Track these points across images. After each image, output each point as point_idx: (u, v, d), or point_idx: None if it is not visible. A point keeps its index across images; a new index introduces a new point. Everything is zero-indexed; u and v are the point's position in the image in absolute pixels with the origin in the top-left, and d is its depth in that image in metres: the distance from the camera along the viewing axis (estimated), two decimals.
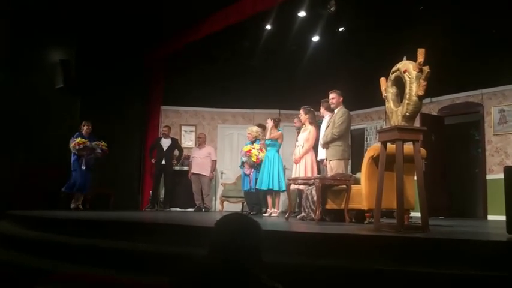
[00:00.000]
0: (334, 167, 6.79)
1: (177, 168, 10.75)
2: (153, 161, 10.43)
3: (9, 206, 7.76)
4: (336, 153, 6.83)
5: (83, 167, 8.93)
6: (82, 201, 9.14)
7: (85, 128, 9.13)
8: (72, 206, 8.96)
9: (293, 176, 7.35)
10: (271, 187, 7.95)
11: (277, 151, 8.19)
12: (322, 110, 7.54)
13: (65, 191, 8.93)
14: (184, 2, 9.37)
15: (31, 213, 6.82)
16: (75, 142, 8.82)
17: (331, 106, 7.16)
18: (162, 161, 10.31)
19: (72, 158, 8.97)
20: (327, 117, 7.37)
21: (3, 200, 8.28)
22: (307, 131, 7.64)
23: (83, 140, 8.89)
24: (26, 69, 9.59)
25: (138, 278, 3.49)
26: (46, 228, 5.74)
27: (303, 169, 7.46)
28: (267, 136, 8.33)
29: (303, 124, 7.78)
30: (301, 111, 7.80)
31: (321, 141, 7.21)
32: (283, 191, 8.09)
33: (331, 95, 7.11)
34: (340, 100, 7.04)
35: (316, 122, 7.77)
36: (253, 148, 8.18)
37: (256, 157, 8.08)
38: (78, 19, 9.76)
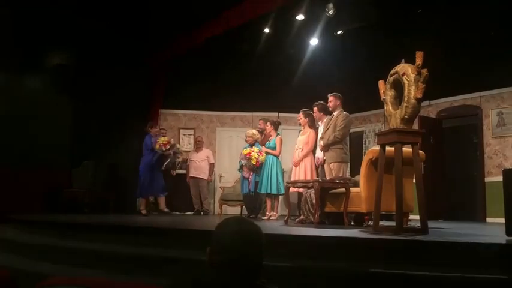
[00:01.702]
0: (334, 170, 6.79)
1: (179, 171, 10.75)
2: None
3: (5, 209, 7.73)
4: (337, 155, 6.84)
5: (163, 168, 8.77)
6: (85, 205, 9.13)
7: (154, 130, 9.03)
8: (142, 210, 8.80)
9: (292, 179, 7.35)
10: (269, 191, 7.96)
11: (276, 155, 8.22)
12: (316, 112, 7.54)
13: (140, 196, 8.87)
14: (184, 6, 9.38)
15: (35, 218, 6.82)
16: (160, 143, 8.57)
17: (329, 109, 7.17)
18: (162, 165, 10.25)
19: (146, 160, 8.80)
20: (325, 120, 7.37)
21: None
22: (307, 134, 7.65)
23: (167, 139, 8.68)
24: (25, 72, 9.59)
25: (139, 282, 3.49)
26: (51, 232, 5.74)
27: (302, 172, 7.47)
28: (269, 138, 8.36)
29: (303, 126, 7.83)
30: (301, 114, 7.82)
31: (320, 143, 7.21)
32: (282, 195, 8.09)
33: (329, 98, 7.13)
34: (338, 103, 7.05)
35: (316, 126, 7.78)
36: (253, 151, 8.18)
37: (256, 160, 8.08)
38: (78, 23, 9.77)
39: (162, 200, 9.05)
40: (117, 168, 10.54)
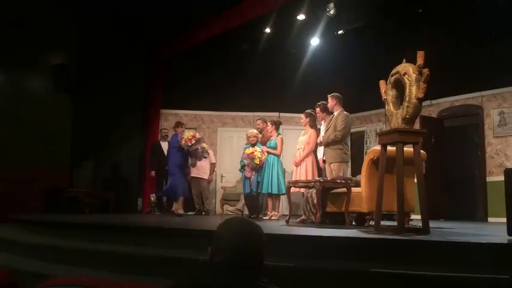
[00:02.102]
0: (334, 170, 6.79)
1: None
2: (153, 173, 10.26)
3: (5, 209, 7.74)
4: (337, 155, 6.84)
5: (190, 163, 8.61)
6: (85, 205, 9.12)
7: (180, 129, 8.94)
8: (178, 210, 8.54)
9: (294, 179, 7.35)
10: (270, 191, 7.96)
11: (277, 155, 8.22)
12: (319, 113, 7.55)
13: (162, 195, 8.78)
14: (184, 5, 9.39)
15: (36, 218, 6.81)
16: (185, 138, 8.31)
17: (329, 109, 7.19)
18: (165, 166, 10.24)
19: (174, 160, 8.56)
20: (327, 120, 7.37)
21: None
22: (308, 134, 7.66)
23: (192, 133, 8.45)
24: (25, 72, 9.60)
25: (140, 282, 3.49)
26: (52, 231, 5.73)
27: (303, 172, 7.47)
28: (271, 138, 8.36)
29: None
30: (302, 115, 7.84)
31: (320, 139, 7.20)
32: (283, 194, 8.08)
33: (328, 99, 7.15)
34: (335, 103, 7.05)
35: (317, 126, 7.80)
36: (256, 150, 8.18)
37: (259, 159, 8.08)
38: (78, 23, 9.79)
39: (180, 202, 8.73)
40: (117, 168, 10.55)
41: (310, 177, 7.25)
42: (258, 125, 8.96)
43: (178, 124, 9.21)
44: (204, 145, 8.69)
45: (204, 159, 8.89)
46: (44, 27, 9.53)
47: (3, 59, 9.33)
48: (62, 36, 9.92)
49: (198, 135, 8.47)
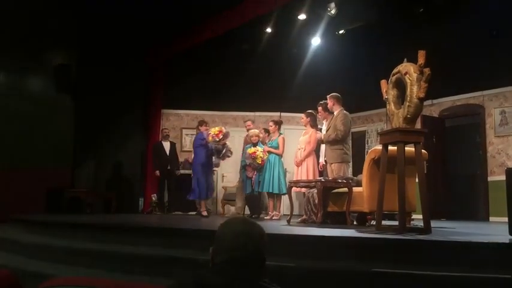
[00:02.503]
0: (335, 170, 6.79)
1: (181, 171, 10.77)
2: (157, 173, 10.16)
3: (7, 209, 7.75)
4: (337, 156, 6.82)
5: (214, 160, 8.29)
6: (87, 205, 9.12)
7: (203, 128, 8.61)
8: (203, 211, 8.45)
9: (295, 179, 7.35)
10: (271, 190, 7.96)
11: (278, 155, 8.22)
12: (321, 112, 7.55)
13: (193, 198, 8.48)
14: (185, 5, 9.39)
15: (36, 218, 6.82)
16: (211, 134, 7.97)
17: (329, 110, 7.19)
18: (167, 166, 10.25)
19: (199, 160, 8.34)
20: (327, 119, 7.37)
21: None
22: (308, 134, 7.65)
23: (218, 128, 8.10)
24: (26, 72, 9.62)
25: (140, 282, 3.49)
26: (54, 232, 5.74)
27: (304, 172, 7.47)
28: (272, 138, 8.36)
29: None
30: (303, 115, 7.83)
31: (321, 136, 7.19)
32: (283, 194, 8.08)
33: (327, 99, 7.15)
34: (333, 103, 7.04)
35: (317, 125, 7.80)
36: (258, 150, 8.17)
37: (261, 159, 8.08)
38: (79, 23, 9.80)
39: (204, 202, 8.64)
40: (119, 168, 10.55)
41: (311, 177, 7.25)
42: (248, 125, 9.01)
43: (202, 123, 8.82)
44: (228, 143, 8.41)
45: (227, 158, 8.58)
46: (45, 28, 9.53)
47: (5, 59, 9.34)
48: (63, 37, 9.92)
49: (224, 130, 8.14)
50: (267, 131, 8.70)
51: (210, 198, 8.95)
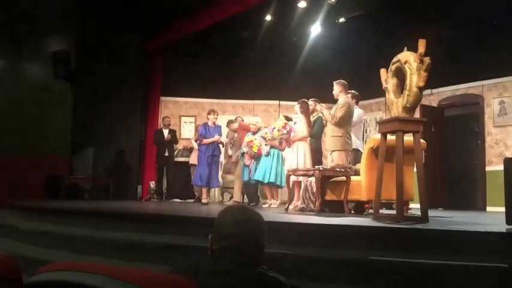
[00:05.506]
0: (335, 158, 6.74)
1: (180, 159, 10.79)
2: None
3: (6, 195, 7.76)
4: (338, 143, 6.74)
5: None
6: (86, 192, 9.15)
7: (212, 116, 8.84)
8: (204, 199, 8.64)
9: (289, 165, 7.34)
10: (267, 180, 7.91)
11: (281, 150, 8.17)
12: (316, 106, 7.50)
13: (200, 185, 8.67)
14: None
15: (35, 204, 6.83)
16: (278, 127, 7.76)
17: (334, 96, 7.04)
18: (165, 152, 10.26)
19: (205, 150, 8.64)
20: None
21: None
22: (299, 120, 7.63)
23: (281, 123, 7.87)
24: (25, 58, 9.58)
25: (140, 267, 3.51)
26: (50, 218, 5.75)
27: (295, 156, 7.44)
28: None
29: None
30: (296, 103, 7.77)
31: (328, 118, 7.00)
32: (280, 187, 8.08)
33: (334, 85, 6.99)
34: (340, 90, 6.90)
35: (309, 113, 7.73)
36: (255, 139, 8.16)
37: (257, 148, 8.05)
38: (78, 9, 9.73)
39: (206, 190, 8.79)
40: (117, 154, 10.55)
41: (303, 163, 7.24)
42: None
43: (211, 112, 8.98)
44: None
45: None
46: (44, 14, 9.47)
47: (3, 45, 9.29)
48: (62, 23, 9.86)
49: (288, 122, 7.92)
50: (288, 118, 8.43)
51: (215, 187, 8.99)
